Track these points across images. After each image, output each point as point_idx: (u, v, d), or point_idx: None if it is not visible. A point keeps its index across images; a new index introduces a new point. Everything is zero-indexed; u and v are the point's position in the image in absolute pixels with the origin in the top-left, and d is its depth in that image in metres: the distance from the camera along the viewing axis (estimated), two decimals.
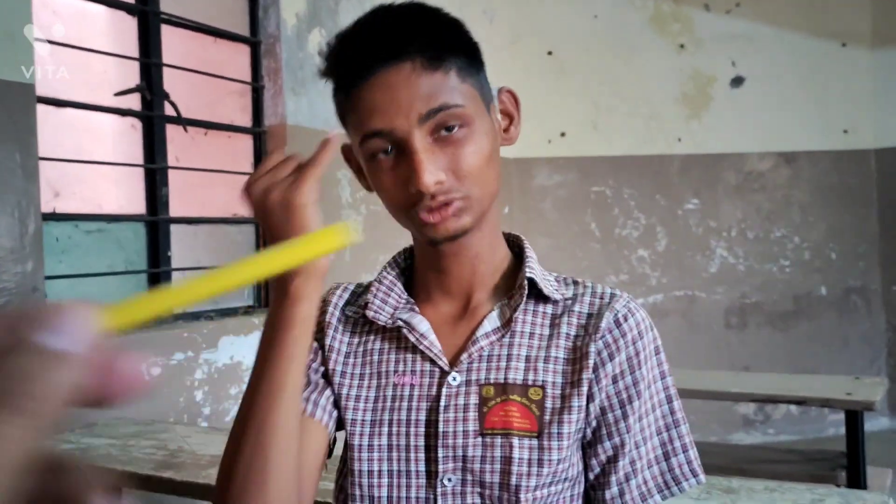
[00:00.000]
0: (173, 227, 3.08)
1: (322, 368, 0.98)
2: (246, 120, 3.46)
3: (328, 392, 0.97)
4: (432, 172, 0.85)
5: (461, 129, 0.87)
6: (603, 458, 0.91)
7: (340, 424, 0.98)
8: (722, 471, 1.33)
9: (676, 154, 5.16)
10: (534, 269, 0.96)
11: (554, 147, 5.10)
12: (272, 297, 0.85)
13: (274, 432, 0.82)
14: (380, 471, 0.91)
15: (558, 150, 5.10)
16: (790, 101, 5.16)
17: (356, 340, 0.99)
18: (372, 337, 0.98)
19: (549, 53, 5.07)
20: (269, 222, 0.81)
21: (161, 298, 0.37)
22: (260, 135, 3.47)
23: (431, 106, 0.85)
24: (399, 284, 1.00)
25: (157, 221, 2.99)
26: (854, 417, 2.40)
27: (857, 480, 2.38)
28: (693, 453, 0.94)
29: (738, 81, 5.15)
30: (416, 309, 0.97)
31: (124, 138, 2.94)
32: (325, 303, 1.01)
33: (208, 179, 3.30)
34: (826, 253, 5.23)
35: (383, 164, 0.88)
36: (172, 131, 3.08)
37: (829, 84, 5.19)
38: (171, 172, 3.06)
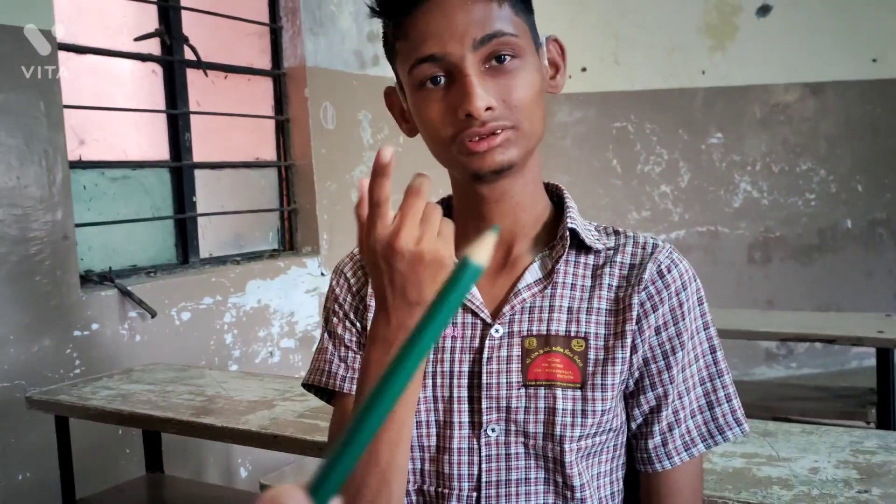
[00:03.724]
0: (197, 173, 3.08)
1: (354, 340, 0.97)
2: (265, 62, 3.42)
3: None
4: (483, 98, 0.83)
5: (513, 59, 0.86)
6: (646, 408, 0.92)
7: None
8: (750, 408, 1.33)
9: (700, 87, 5.06)
10: (575, 219, 0.95)
11: (575, 83, 5.00)
12: (385, 332, 0.78)
13: (397, 468, 0.81)
14: (427, 421, 0.92)
15: (579, 86, 5.01)
16: (818, 29, 5.02)
17: None
18: None
19: None
20: (415, 275, 0.74)
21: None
22: (279, 77, 3.43)
23: (486, 31, 0.84)
24: None
25: (181, 167, 2.99)
26: (886, 355, 2.39)
27: (886, 417, 2.38)
28: (736, 403, 0.94)
29: (764, 10, 5.01)
30: None
31: (145, 84, 2.93)
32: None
33: (230, 123, 3.28)
34: (852, 185, 5.16)
35: (432, 92, 0.87)
36: (192, 75, 3.05)
37: (858, 10, 5.04)
38: (192, 117, 3.04)
